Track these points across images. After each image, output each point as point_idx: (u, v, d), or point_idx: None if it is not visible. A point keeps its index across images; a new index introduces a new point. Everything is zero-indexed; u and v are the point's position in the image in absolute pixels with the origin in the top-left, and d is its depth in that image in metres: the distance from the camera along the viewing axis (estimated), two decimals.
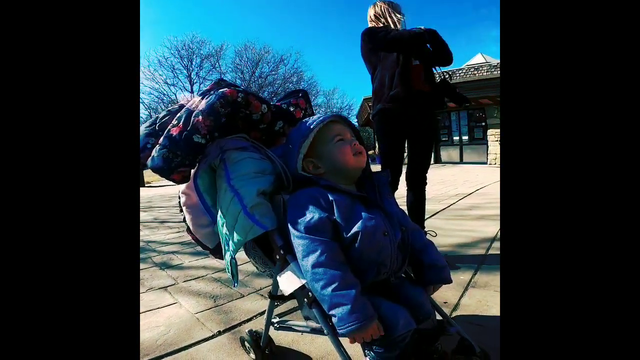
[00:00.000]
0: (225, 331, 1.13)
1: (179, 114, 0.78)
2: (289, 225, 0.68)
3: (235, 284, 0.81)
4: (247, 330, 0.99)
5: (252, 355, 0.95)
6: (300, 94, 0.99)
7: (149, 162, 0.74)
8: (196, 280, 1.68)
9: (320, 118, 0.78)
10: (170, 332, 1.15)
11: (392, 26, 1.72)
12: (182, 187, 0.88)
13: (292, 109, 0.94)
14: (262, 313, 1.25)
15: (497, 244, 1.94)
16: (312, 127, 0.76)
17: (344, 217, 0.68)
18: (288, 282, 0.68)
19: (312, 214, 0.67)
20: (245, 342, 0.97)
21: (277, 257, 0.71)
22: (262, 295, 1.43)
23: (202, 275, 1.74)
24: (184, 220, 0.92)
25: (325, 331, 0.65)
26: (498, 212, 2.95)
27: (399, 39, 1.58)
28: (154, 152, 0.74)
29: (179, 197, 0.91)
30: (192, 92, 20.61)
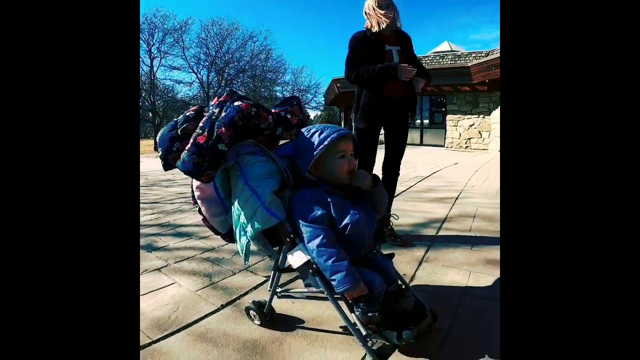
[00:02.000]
0: (227, 304, 1.31)
1: (201, 123, 0.92)
2: (298, 217, 0.90)
3: (246, 262, 0.99)
4: (250, 301, 1.17)
5: (257, 322, 1.15)
6: (295, 102, 1.15)
7: (179, 164, 0.89)
8: (187, 260, 1.81)
9: (336, 134, 0.95)
10: (179, 308, 1.28)
11: (375, 26, 1.78)
12: (196, 183, 1.03)
13: (289, 116, 1.10)
14: (256, 287, 1.45)
15: (446, 225, 2.29)
16: (326, 142, 0.94)
17: (337, 213, 0.92)
18: (297, 258, 0.90)
19: (316, 210, 0.90)
20: (250, 311, 1.16)
21: (287, 239, 0.92)
22: (252, 272, 1.62)
23: (191, 256, 1.86)
24: (200, 212, 1.07)
25: (325, 292, 0.89)
26: (449, 195, 3.36)
27: (360, 79, 1.76)
28: (184, 156, 0.89)
29: (193, 192, 1.06)
30: (151, 66, 19.12)
